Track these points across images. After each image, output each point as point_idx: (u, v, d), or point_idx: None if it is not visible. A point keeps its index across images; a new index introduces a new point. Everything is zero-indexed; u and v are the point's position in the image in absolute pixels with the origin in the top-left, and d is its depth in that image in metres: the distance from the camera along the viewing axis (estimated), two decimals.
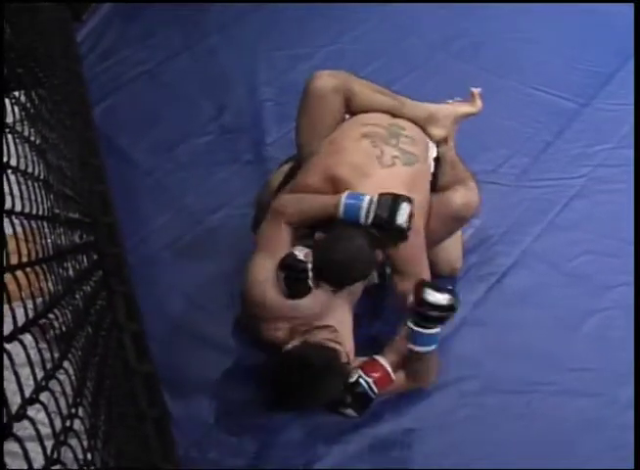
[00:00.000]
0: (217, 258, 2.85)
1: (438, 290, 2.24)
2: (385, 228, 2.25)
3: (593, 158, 3.19)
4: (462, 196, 2.52)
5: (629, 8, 3.57)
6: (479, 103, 2.78)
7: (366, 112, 2.59)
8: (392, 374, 2.34)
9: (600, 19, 3.81)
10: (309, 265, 2.24)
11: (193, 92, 3.57)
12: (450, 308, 2.23)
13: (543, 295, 2.74)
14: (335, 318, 2.36)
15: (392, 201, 2.25)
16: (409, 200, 2.27)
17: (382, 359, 2.36)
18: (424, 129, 2.64)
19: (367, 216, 2.24)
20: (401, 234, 2.27)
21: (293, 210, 2.38)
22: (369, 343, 2.51)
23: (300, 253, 2.27)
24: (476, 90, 2.78)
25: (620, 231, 2.86)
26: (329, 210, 2.30)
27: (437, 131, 2.66)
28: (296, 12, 3.93)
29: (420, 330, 2.27)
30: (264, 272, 2.30)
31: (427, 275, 2.42)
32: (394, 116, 2.62)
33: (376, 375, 2.31)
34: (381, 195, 2.26)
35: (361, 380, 2.28)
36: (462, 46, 3.70)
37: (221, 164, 3.20)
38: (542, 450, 2.34)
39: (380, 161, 2.43)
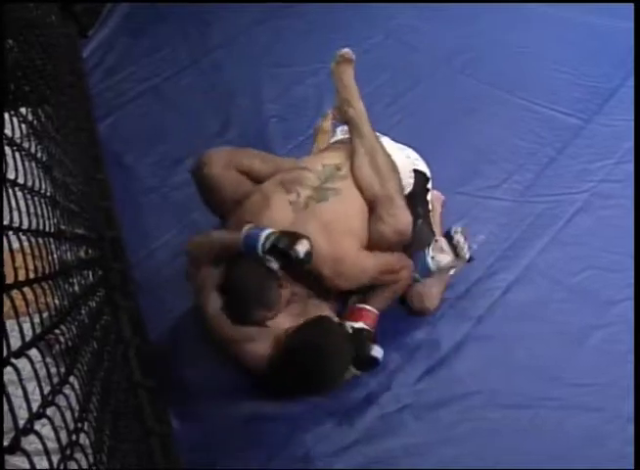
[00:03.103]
0: None
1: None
2: (281, 257, 2.30)
3: (596, 173, 3.19)
4: (388, 225, 2.51)
5: (630, 23, 3.60)
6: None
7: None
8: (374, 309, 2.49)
9: (602, 35, 3.83)
10: None
11: (198, 108, 3.59)
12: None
13: (547, 310, 2.74)
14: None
15: (291, 235, 2.32)
16: (308, 238, 2.31)
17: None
18: None
19: (264, 245, 2.29)
20: (301, 264, 2.32)
21: (203, 249, 2.47)
22: None
23: None
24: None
25: (624, 246, 2.86)
26: (234, 245, 2.36)
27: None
28: (300, 28, 3.95)
29: None
30: (213, 306, 2.38)
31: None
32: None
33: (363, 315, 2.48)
34: (281, 231, 2.33)
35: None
36: (466, 62, 3.72)
37: None
38: (546, 465, 2.34)
39: (294, 205, 2.48)
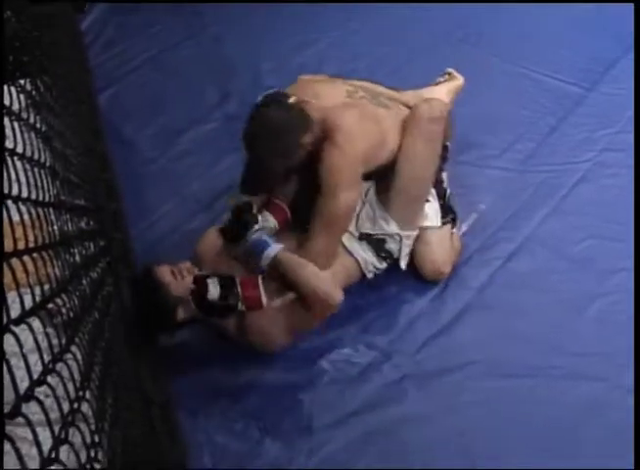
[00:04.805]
0: None
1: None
2: None
3: (598, 142, 3.19)
4: (424, 102, 2.63)
5: None
6: (459, 77, 3.00)
7: None
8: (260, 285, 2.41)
9: (604, 4, 3.80)
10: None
11: (198, 79, 3.58)
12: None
13: (547, 279, 2.75)
14: None
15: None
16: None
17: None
18: None
19: None
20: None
21: None
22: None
23: None
24: (449, 69, 3.01)
25: (625, 216, 2.85)
26: None
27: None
28: None
29: None
30: None
31: (342, 191, 2.47)
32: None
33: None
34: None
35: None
36: (468, 32, 3.69)
37: (226, 150, 3.19)
38: (546, 434, 2.35)
39: (349, 94, 2.61)
